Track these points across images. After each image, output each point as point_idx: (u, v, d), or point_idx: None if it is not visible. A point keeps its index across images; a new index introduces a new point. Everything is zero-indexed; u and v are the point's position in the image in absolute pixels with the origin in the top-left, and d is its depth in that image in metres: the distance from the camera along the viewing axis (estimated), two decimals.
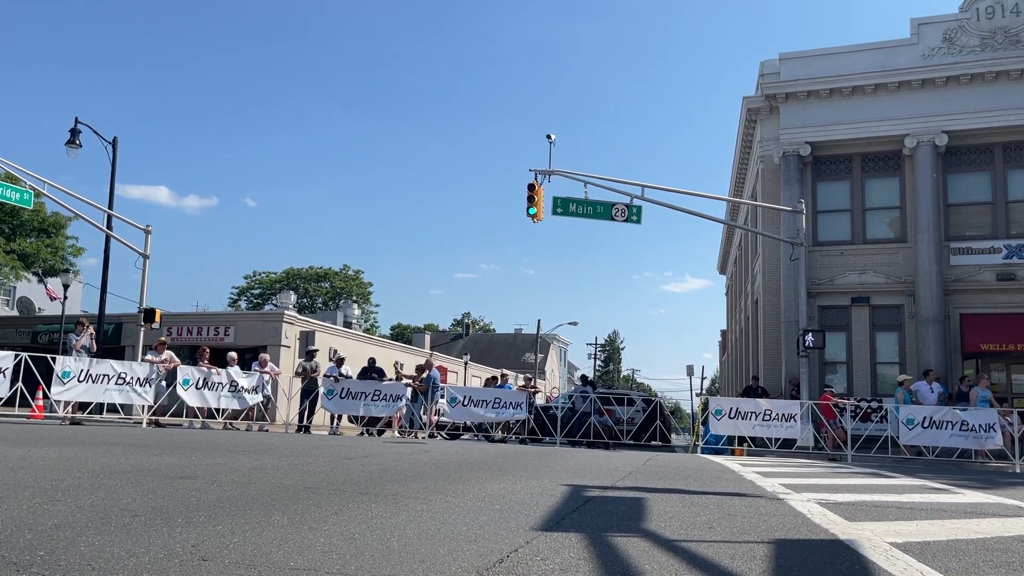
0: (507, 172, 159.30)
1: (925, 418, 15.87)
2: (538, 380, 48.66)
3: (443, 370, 21.17)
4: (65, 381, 14.80)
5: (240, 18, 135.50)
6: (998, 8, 21.77)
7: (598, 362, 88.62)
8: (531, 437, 18.06)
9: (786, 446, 16.29)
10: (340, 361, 18.62)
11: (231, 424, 17.16)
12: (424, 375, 18.27)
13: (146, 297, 20.49)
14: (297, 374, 18.51)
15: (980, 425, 15.60)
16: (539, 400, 23.53)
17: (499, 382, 20.59)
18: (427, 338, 61.94)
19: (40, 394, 15.94)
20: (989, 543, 4.17)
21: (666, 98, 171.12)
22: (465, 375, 49.11)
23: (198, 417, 16.64)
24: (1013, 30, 21.53)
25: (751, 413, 16.36)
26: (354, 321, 49.52)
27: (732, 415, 16.41)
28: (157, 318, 19.87)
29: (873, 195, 23.10)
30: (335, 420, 18.49)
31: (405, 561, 2.95)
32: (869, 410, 17.98)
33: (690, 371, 58.88)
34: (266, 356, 19.04)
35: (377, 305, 76.97)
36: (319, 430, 18.68)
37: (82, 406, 15.67)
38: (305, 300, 69.59)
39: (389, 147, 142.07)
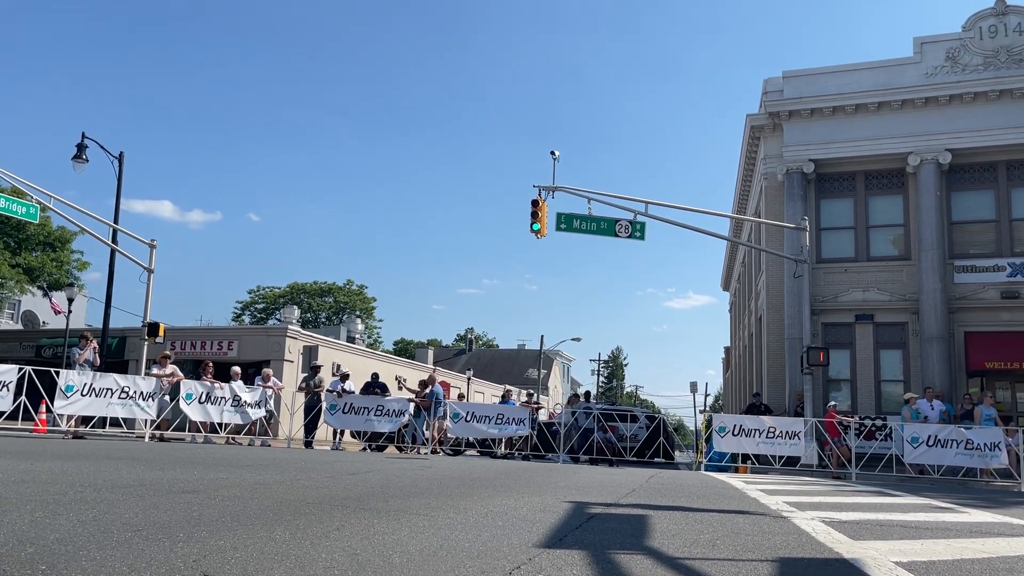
0: (510, 188, 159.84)
1: (930, 436, 15.79)
2: (541, 396, 48.56)
3: (446, 385, 21.11)
4: (68, 395, 14.81)
5: (244, 34, 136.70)
6: (1001, 27, 21.87)
7: (601, 378, 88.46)
8: (534, 453, 18.01)
9: (790, 464, 16.22)
10: (344, 376, 18.61)
11: (234, 439, 17.14)
12: (427, 390, 18.25)
13: (150, 311, 20.53)
14: (300, 389, 18.50)
15: (985, 444, 15.51)
16: (542, 416, 23.47)
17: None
18: (430, 353, 61.98)
19: (43, 408, 15.94)
20: (994, 563, 4.14)
21: (669, 115, 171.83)
22: (468, 391, 49.01)
23: (201, 432, 16.63)
24: (1016, 49, 21.63)
25: (755, 430, 16.31)
26: (357, 336, 49.58)
27: (736, 432, 16.34)
28: (161, 332, 19.91)
29: (876, 213, 23.12)
30: (337, 435, 18.47)
31: None
32: (873, 428, 17.90)
33: (693, 388, 58.38)
34: (269, 371, 19.07)
35: (380, 320, 77.10)
36: (321, 445, 18.65)
37: (85, 420, 15.68)
38: (309, 315, 69.65)
39: (392, 162, 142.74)
